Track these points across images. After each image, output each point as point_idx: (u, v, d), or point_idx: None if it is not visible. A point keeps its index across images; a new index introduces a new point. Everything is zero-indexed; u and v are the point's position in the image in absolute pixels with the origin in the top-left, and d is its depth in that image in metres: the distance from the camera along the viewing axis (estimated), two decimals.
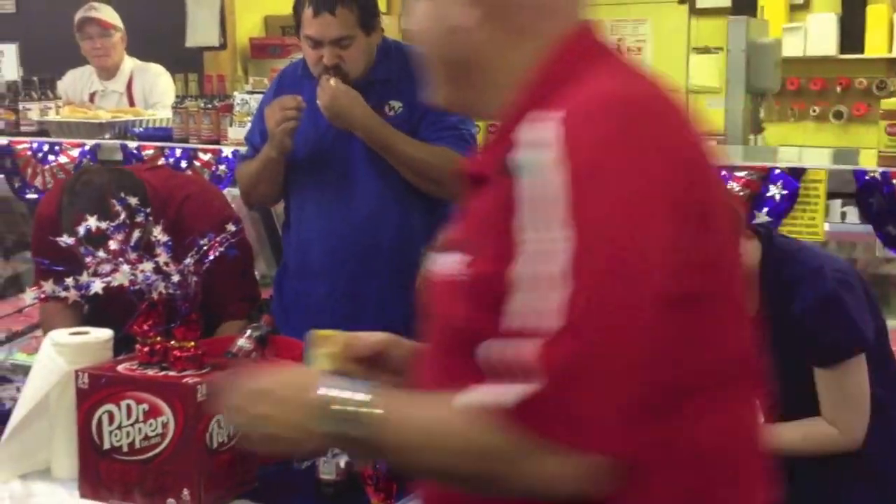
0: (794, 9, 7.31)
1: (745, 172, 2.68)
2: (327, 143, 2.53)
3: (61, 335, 2.05)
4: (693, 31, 8.36)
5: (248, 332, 2.23)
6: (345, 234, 2.55)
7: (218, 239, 1.96)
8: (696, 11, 8.34)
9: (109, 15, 4.53)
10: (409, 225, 2.57)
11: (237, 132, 3.25)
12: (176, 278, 1.90)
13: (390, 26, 6.66)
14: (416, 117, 2.54)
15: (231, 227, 2.00)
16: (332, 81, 2.46)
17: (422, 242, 2.38)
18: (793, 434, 1.93)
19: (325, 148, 2.53)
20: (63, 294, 1.95)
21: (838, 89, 7.14)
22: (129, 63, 4.57)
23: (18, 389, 2.12)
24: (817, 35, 7.19)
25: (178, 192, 2.57)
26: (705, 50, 8.12)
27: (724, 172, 2.66)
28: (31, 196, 3.53)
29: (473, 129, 2.64)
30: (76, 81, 4.51)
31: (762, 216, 2.64)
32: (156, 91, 4.43)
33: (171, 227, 2.31)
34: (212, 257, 1.94)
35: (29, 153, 3.54)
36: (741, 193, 2.66)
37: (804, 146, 5.85)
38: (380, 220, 2.55)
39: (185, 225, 2.39)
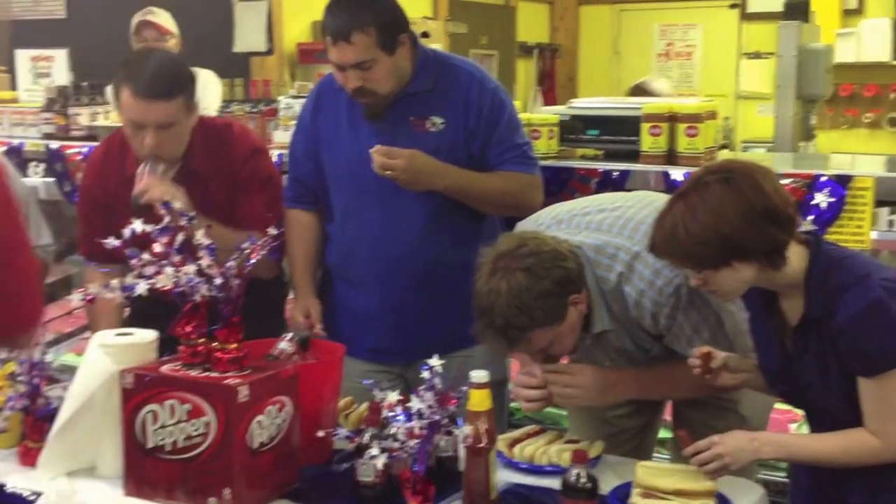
0: (847, 14, 7.20)
1: (791, 180, 2.65)
2: (370, 154, 2.53)
3: (108, 336, 2.09)
4: (744, 35, 8.28)
5: (290, 335, 2.26)
6: (389, 245, 2.55)
7: (259, 243, 1.98)
8: (746, 16, 8.25)
9: (166, 20, 4.61)
10: (452, 236, 2.56)
11: (282, 136, 3.29)
12: (218, 281, 1.93)
13: (437, 31, 6.71)
14: (462, 135, 2.53)
15: (273, 231, 2.02)
16: (383, 149, 2.41)
17: (465, 253, 2.39)
18: (834, 444, 1.91)
19: (367, 158, 2.52)
20: (109, 295, 1.98)
21: (892, 96, 7.03)
22: None
23: (66, 389, 2.15)
24: (871, 40, 7.09)
25: (221, 120, 2.86)
26: (756, 55, 8.03)
27: None
28: None
29: (528, 139, 2.65)
30: None
31: (808, 224, 2.61)
32: (204, 97, 4.48)
33: (209, 143, 2.65)
34: (253, 261, 1.97)
35: (79, 157, 3.60)
36: None
37: (857, 153, 5.76)
38: (423, 230, 2.54)
39: (223, 144, 2.68)
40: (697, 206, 1.84)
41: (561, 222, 2.25)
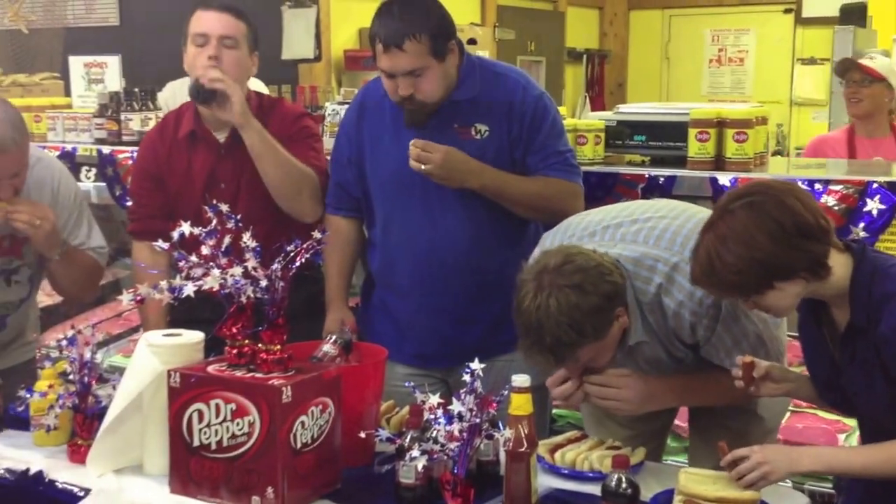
0: None
1: (842, 186, 2.62)
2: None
3: (156, 336, 2.12)
4: (798, 41, 8.17)
5: (333, 337, 2.28)
6: (431, 251, 2.55)
7: (304, 245, 2.00)
8: (801, 21, 8.13)
9: None
10: (495, 243, 2.56)
11: (328, 142, 3.31)
12: (264, 283, 1.95)
13: (484, 37, 6.72)
14: (506, 142, 2.53)
15: (317, 234, 2.04)
16: (421, 143, 2.42)
17: (507, 260, 2.39)
18: (877, 455, 1.87)
19: (410, 166, 2.54)
20: (157, 296, 2.02)
21: None
22: None
23: (114, 388, 2.19)
24: None
25: (270, 98, 2.96)
26: (811, 61, 7.93)
27: (819, 187, 2.61)
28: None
29: (572, 147, 2.64)
30: (177, 92, 4.66)
31: (859, 231, 2.57)
32: None
33: (263, 113, 2.74)
34: (298, 263, 1.99)
35: (129, 162, 3.66)
36: (836, 208, 2.59)
37: None
38: (465, 237, 2.54)
39: (273, 112, 2.79)
40: (727, 236, 1.83)
41: (594, 235, 2.23)
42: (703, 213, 2.23)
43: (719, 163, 2.85)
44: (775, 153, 5.94)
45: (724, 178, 2.76)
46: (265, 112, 2.75)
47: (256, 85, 4.69)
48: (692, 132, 2.87)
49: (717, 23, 8.61)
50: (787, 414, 2.67)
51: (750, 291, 1.85)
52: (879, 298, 1.84)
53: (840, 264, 1.86)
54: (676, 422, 2.60)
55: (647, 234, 2.17)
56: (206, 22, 2.69)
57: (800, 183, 2.64)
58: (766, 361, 2.03)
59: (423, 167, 2.43)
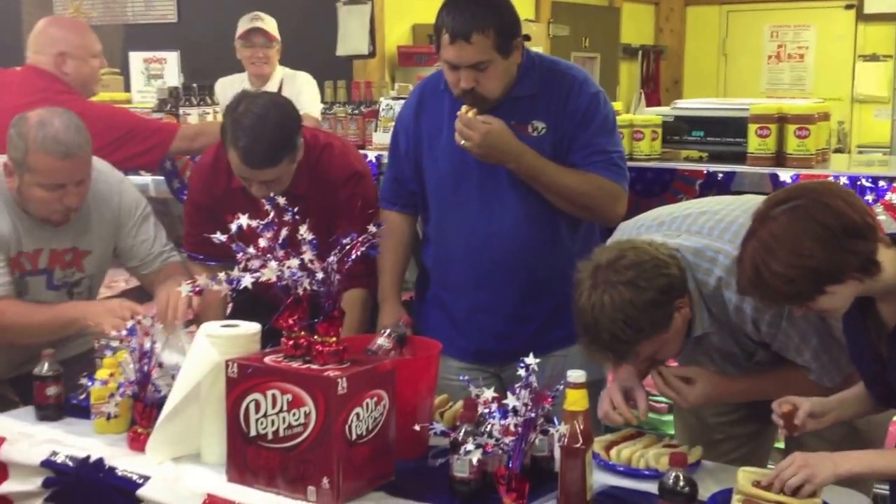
0: None
1: None
2: (470, 157, 2.53)
3: (214, 327, 2.15)
4: (860, 37, 8.01)
5: (388, 331, 2.29)
6: (486, 248, 2.55)
7: (360, 239, 2.01)
8: (863, 17, 7.97)
9: (272, 27, 4.75)
10: (550, 239, 2.55)
11: (381, 137, 3.33)
12: (320, 275, 1.97)
13: (538, 33, 6.69)
14: (562, 139, 2.52)
15: (373, 228, 2.04)
16: (471, 113, 2.43)
17: (562, 256, 2.38)
18: None
19: (468, 162, 2.53)
20: (216, 288, 2.04)
21: None
22: (280, 72, 4.78)
23: (173, 377, 2.23)
24: None
25: (322, 138, 2.81)
26: (873, 57, 7.77)
27: (884, 184, 2.55)
28: None
29: (622, 150, 2.61)
30: (227, 89, 4.72)
31: None
32: (301, 98, 4.58)
33: (311, 168, 2.64)
34: (354, 256, 2.00)
35: (187, 156, 3.71)
36: None
37: None
38: (521, 235, 2.54)
39: (322, 168, 2.69)
40: (773, 245, 1.77)
41: (662, 224, 2.21)
42: None
43: (780, 159, 2.80)
44: (836, 151, 5.82)
45: (785, 175, 2.71)
46: (312, 168, 2.66)
47: (304, 80, 4.75)
48: (752, 128, 2.83)
49: (776, 18, 8.46)
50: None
51: (802, 299, 1.80)
52: None
53: (889, 259, 1.81)
54: None
55: (711, 226, 2.14)
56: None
57: (863, 180, 2.59)
58: (806, 403, 1.99)
59: (463, 142, 2.43)
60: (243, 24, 4.74)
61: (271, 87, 4.69)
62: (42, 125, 2.46)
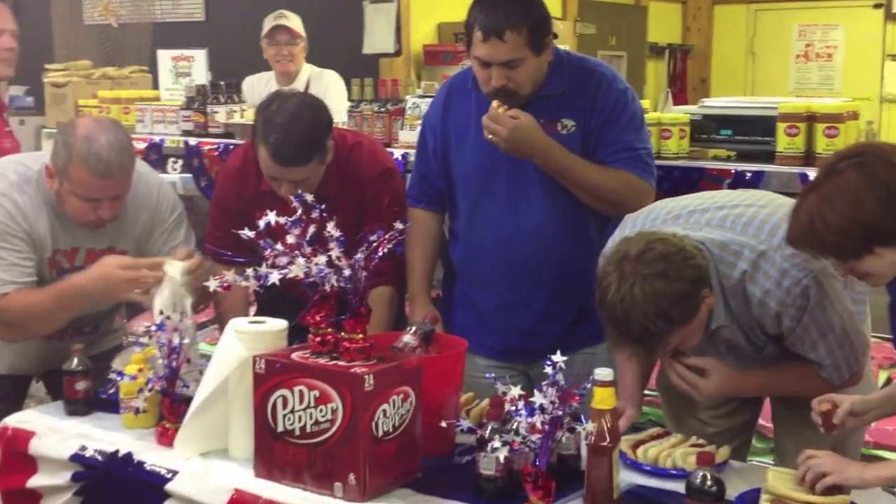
0: None
1: None
2: (499, 154, 2.53)
3: (242, 323, 2.16)
4: (889, 36, 7.94)
5: (414, 328, 2.29)
6: (514, 246, 2.55)
7: (387, 236, 2.01)
8: (892, 16, 7.90)
9: (297, 25, 4.77)
10: (579, 236, 2.54)
11: (408, 135, 3.33)
12: (347, 272, 1.97)
13: (565, 31, 6.67)
14: (590, 136, 2.51)
15: (399, 225, 2.04)
16: (501, 109, 2.42)
17: (589, 254, 2.37)
18: None
19: (496, 159, 2.53)
20: (244, 284, 2.05)
21: None
22: (307, 70, 4.80)
23: (201, 373, 2.24)
24: None
25: (351, 137, 2.82)
26: None
27: None
28: None
29: (650, 146, 2.59)
30: (254, 86, 4.75)
31: None
32: (328, 96, 4.60)
33: (340, 167, 2.65)
34: (381, 253, 2.00)
35: (215, 154, 3.75)
36: None
37: None
38: (550, 232, 2.53)
39: (351, 166, 2.69)
40: (833, 196, 1.77)
41: (678, 218, 2.20)
42: (789, 203, 2.18)
43: (809, 158, 2.78)
44: None
45: (814, 174, 2.68)
46: (341, 168, 2.67)
47: (331, 78, 4.77)
48: (781, 126, 2.81)
49: (804, 17, 8.40)
50: None
51: (849, 254, 1.79)
52: None
53: None
54: (761, 422, 2.55)
55: (734, 221, 2.13)
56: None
57: None
58: (846, 401, 1.97)
59: (490, 136, 2.44)
60: (268, 23, 4.76)
61: (298, 85, 4.71)
62: (88, 140, 2.45)
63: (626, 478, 2.01)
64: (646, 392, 2.62)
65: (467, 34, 2.47)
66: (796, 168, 2.76)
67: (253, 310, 2.86)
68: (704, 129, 3.02)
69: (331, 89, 4.66)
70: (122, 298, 2.58)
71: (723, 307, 2.09)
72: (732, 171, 2.81)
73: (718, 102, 3.20)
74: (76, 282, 2.53)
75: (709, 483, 1.78)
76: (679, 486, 1.88)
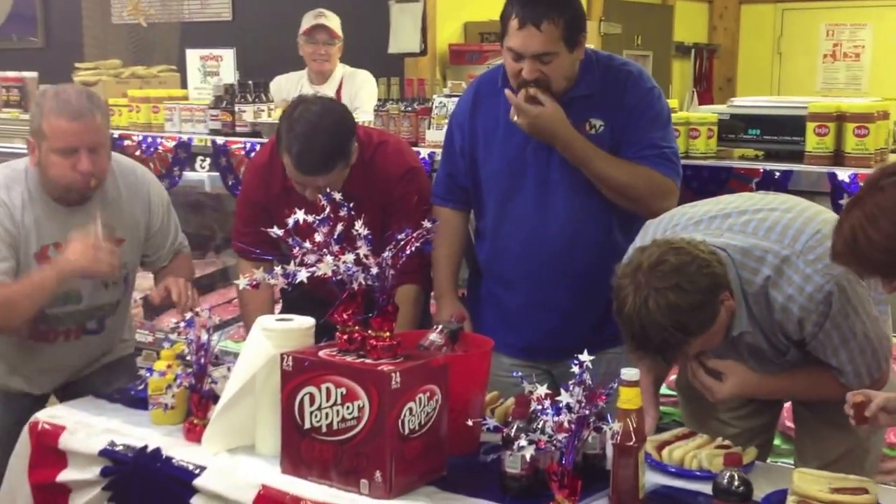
0: None
1: None
2: (527, 153, 2.53)
3: (269, 321, 2.17)
4: None
5: (440, 327, 2.29)
6: (541, 245, 2.55)
7: (415, 234, 2.02)
8: None
9: (336, 25, 4.78)
10: (605, 236, 2.54)
11: (434, 134, 3.33)
12: (374, 270, 1.98)
13: (590, 31, 6.63)
14: (617, 135, 2.50)
15: (427, 224, 2.05)
16: (532, 90, 2.43)
17: (616, 256, 2.36)
18: None
19: (523, 158, 2.53)
20: (272, 282, 2.07)
21: None
22: (341, 69, 4.83)
23: (229, 369, 2.26)
24: None
25: (376, 136, 2.83)
26: None
27: None
28: None
29: (675, 146, 2.58)
30: (283, 86, 4.77)
31: None
32: (360, 95, 4.63)
33: (365, 166, 2.64)
34: (409, 252, 2.01)
35: (242, 153, 3.76)
36: None
37: None
38: (576, 231, 2.53)
39: (376, 166, 2.70)
40: (876, 214, 1.75)
41: (699, 223, 2.19)
42: (812, 207, 2.17)
43: (838, 158, 2.76)
44: (894, 151, 5.71)
45: (844, 174, 2.66)
46: (366, 167, 2.68)
47: (364, 78, 4.78)
48: (810, 126, 2.79)
49: (832, 17, 8.33)
50: None
51: (894, 272, 1.78)
52: None
53: None
54: (787, 423, 2.53)
55: (756, 226, 2.12)
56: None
57: None
58: (879, 396, 1.96)
59: (516, 118, 2.45)
60: (307, 21, 4.77)
61: (331, 84, 4.73)
62: (56, 94, 2.56)
63: (651, 479, 2.00)
64: (667, 392, 2.63)
65: (503, 24, 2.46)
66: (825, 168, 2.73)
67: (278, 308, 2.88)
68: (732, 129, 3.01)
69: (364, 89, 4.67)
70: (88, 269, 2.54)
71: (745, 313, 2.08)
72: (761, 171, 2.79)
73: (746, 102, 3.18)
74: (58, 267, 2.54)
75: (736, 483, 1.77)
76: (704, 488, 1.87)
